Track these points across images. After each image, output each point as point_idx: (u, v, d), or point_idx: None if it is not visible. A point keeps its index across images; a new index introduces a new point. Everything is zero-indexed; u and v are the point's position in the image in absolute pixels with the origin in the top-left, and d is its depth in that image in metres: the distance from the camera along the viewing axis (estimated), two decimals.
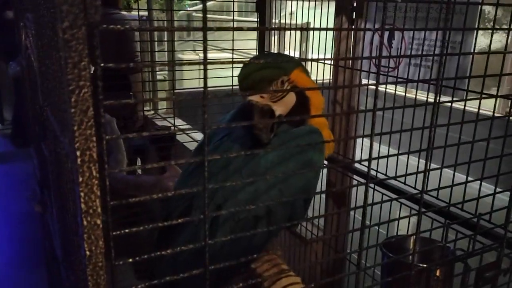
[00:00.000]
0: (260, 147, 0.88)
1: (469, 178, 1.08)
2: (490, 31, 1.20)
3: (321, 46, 1.84)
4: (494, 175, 1.02)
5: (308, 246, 1.97)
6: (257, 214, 0.90)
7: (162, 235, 1.00)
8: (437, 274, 1.03)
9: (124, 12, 3.33)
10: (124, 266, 0.64)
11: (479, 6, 1.37)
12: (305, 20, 4.00)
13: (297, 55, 2.96)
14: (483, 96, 1.17)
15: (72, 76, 0.54)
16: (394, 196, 1.43)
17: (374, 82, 0.65)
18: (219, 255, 0.89)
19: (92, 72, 0.55)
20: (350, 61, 1.74)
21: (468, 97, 1.33)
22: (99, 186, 0.62)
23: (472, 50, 1.37)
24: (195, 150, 1.12)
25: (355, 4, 1.76)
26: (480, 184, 1.16)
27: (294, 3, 2.46)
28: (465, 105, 1.28)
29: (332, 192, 1.91)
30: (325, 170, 1.91)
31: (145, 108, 3.20)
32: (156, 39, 4.08)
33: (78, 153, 0.57)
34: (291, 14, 3.79)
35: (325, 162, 1.67)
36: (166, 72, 4.12)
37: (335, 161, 1.74)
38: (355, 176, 1.77)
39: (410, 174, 0.91)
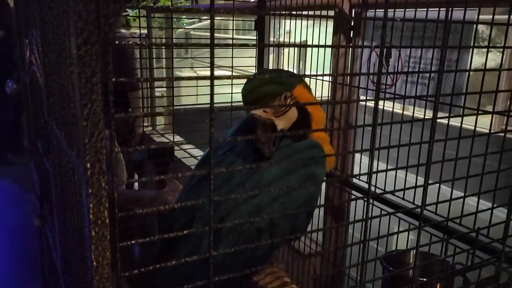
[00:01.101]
0: (263, 160, 0.90)
1: (467, 193, 1.10)
2: (485, 49, 1.23)
3: (319, 64, 1.87)
4: (492, 190, 1.04)
5: (307, 261, 1.98)
6: (260, 226, 0.91)
7: (164, 248, 1.01)
8: None
9: (123, 30, 3.38)
10: (122, 280, 0.65)
11: (474, 26, 1.41)
12: (302, 39, 4.08)
13: (295, 70, 3.01)
14: (479, 112, 1.20)
15: (85, 90, 0.55)
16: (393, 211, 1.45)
17: (372, 98, 0.67)
18: (222, 267, 0.90)
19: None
20: (348, 78, 1.77)
21: (465, 113, 1.36)
22: (107, 198, 0.63)
23: (467, 68, 1.40)
24: (198, 163, 1.14)
25: (352, 23, 1.80)
26: (478, 199, 1.18)
27: (292, 22, 2.51)
28: (462, 122, 1.31)
29: (330, 208, 1.92)
30: (324, 186, 1.92)
31: (144, 125, 3.22)
32: (154, 56, 4.12)
33: (88, 165, 0.59)
34: (289, 33, 3.87)
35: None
36: (165, 89, 4.15)
37: (334, 176, 1.75)
38: (353, 192, 1.79)
39: (410, 188, 0.93)
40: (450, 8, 1.32)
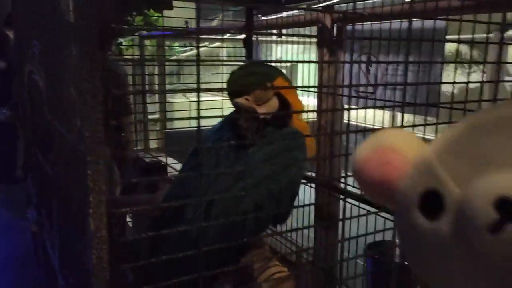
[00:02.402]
0: (247, 147, 0.98)
1: None
2: (468, 70, 1.31)
3: (310, 82, 1.99)
4: None
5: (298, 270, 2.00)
6: (246, 209, 0.97)
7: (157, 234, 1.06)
8: None
9: (116, 59, 3.48)
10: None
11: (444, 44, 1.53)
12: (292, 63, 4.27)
13: None
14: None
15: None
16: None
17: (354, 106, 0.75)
18: (211, 250, 0.95)
19: None
20: (332, 89, 1.87)
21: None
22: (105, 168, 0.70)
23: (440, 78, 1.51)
24: (190, 154, 1.21)
25: (334, 38, 1.91)
26: None
27: (282, 49, 2.64)
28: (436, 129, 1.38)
29: (321, 215, 1.97)
30: (313, 194, 1.98)
31: (136, 148, 3.27)
32: (147, 83, 4.21)
33: (87, 134, 0.66)
34: (279, 60, 4.04)
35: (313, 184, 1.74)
36: (158, 115, 4.23)
37: (311, 179, 1.82)
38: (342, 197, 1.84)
39: None
40: (419, 19, 1.43)
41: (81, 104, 0.66)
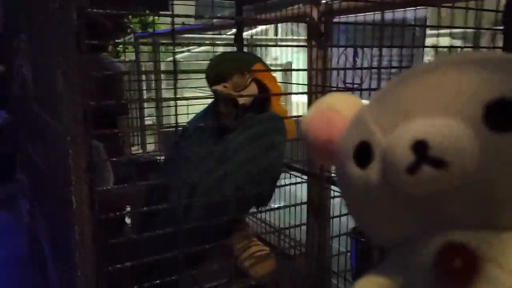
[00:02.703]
0: (227, 132, 1.01)
1: None
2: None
3: (304, 80, 2.02)
4: None
5: (292, 262, 2.03)
6: (228, 191, 1.00)
7: (144, 219, 1.09)
8: None
9: (113, 59, 3.52)
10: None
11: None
12: (288, 61, 4.33)
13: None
14: None
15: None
16: None
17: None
18: (195, 233, 0.98)
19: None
20: (321, 80, 1.90)
21: None
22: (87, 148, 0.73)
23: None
24: (174, 142, 1.24)
25: (323, 30, 1.95)
26: None
27: (277, 48, 2.68)
28: None
29: (312, 206, 2.00)
30: (305, 188, 2.00)
31: (133, 148, 3.31)
32: (145, 88, 4.25)
33: (66, 120, 0.69)
34: (276, 59, 4.11)
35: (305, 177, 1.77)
36: (154, 118, 4.26)
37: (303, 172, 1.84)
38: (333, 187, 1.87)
39: None
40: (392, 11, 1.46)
41: (60, 87, 0.70)
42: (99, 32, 2.88)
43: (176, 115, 0.80)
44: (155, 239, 1.03)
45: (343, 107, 0.45)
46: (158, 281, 0.82)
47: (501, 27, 1.18)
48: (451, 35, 1.25)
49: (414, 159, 0.34)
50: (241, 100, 1.05)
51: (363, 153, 0.40)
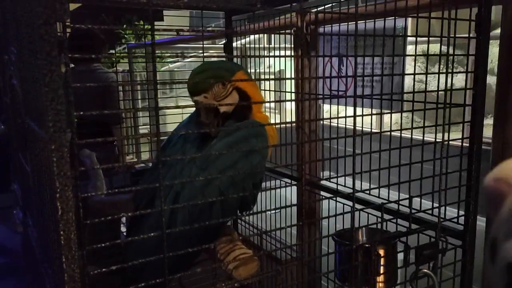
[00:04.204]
0: (210, 140, 1.05)
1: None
2: (454, 71, 1.37)
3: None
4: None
5: (283, 267, 2.05)
6: (211, 196, 1.03)
7: (131, 225, 1.12)
8: (381, 253, 1.16)
9: (106, 69, 3.56)
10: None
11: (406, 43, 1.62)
12: (281, 68, 4.39)
13: (272, 99, 3.20)
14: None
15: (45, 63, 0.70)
16: (346, 202, 1.53)
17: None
18: (180, 238, 1.01)
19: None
20: (309, 88, 1.94)
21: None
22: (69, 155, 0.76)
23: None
24: (161, 148, 1.27)
25: (309, 40, 1.99)
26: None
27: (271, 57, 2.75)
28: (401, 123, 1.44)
29: (303, 212, 2.03)
30: (294, 191, 2.03)
31: (128, 157, 3.34)
32: (139, 97, 4.28)
33: (49, 124, 0.72)
34: (269, 67, 4.16)
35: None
36: (149, 126, 4.29)
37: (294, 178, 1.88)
38: (322, 193, 1.91)
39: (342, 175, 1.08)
40: (372, 21, 1.51)
41: (44, 99, 0.73)
42: (92, 43, 2.93)
43: (157, 124, 0.83)
44: (141, 245, 1.06)
45: None
46: (144, 284, 0.84)
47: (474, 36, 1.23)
48: (442, 42, 1.28)
49: (508, 280, 0.37)
50: (222, 109, 1.08)
51: None
